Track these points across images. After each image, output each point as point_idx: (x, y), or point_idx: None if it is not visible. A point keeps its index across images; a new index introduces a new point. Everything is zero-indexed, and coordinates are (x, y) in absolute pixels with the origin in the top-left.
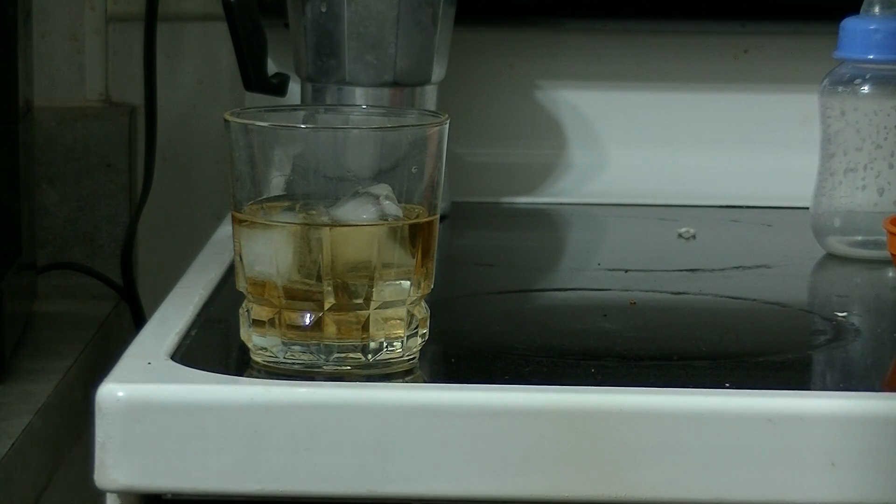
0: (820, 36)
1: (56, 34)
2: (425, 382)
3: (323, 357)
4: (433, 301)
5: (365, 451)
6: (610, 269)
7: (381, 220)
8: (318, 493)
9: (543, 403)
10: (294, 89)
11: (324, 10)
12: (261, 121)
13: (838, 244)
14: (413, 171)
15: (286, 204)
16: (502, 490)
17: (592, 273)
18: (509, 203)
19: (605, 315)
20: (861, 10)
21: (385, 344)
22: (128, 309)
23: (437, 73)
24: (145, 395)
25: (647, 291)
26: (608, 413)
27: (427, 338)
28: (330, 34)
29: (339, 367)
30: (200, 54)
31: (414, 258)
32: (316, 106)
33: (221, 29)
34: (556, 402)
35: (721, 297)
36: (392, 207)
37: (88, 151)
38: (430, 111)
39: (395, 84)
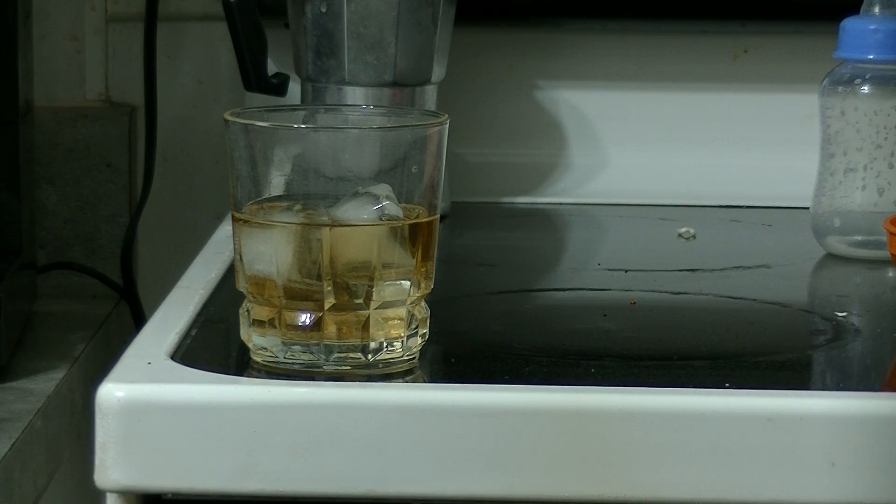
0: (820, 36)
1: (56, 34)
2: (425, 382)
3: (323, 357)
4: (433, 301)
5: (365, 451)
6: (610, 269)
7: (381, 220)
8: (318, 493)
9: (543, 403)
10: (294, 89)
11: (324, 10)
12: (261, 121)
13: (838, 244)
14: (413, 171)
15: (286, 204)
16: (502, 490)
17: (592, 273)
18: (509, 203)
19: (605, 315)
20: (861, 10)
21: (385, 344)
22: (128, 309)
23: (437, 73)
24: (145, 395)
25: (647, 291)
26: (608, 413)
27: (427, 338)
28: (330, 34)
29: (339, 367)
30: (200, 54)
31: (414, 258)
32: (316, 106)
33: (221, 29)
34: (556, 402)
35: (721, 297)
36: (392, 207)
37: (88, 151)
38: (430, 111)
39: (395, 84)
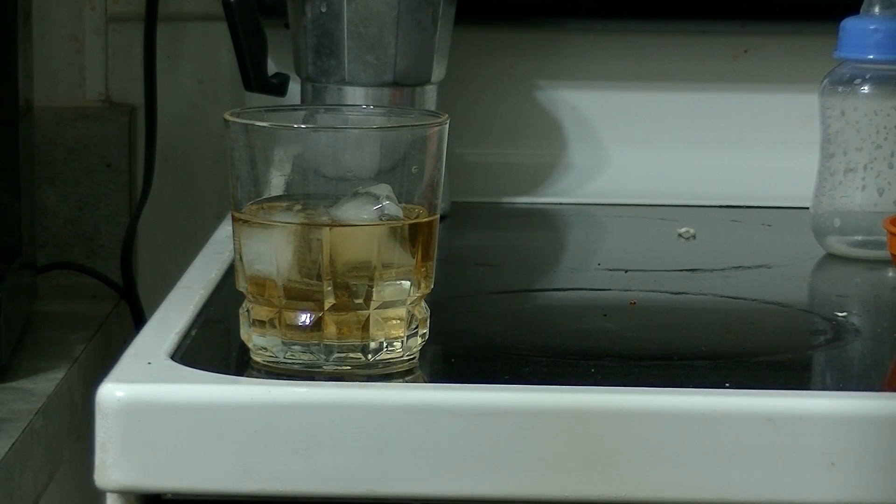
0: (820, 36)
1: (56, 34)
2: (425, 382)
3: (323, 357)
4: (433, 301)
5: (365, 451)
6: (610, 269)
7: (381, 220)
8: (318, 493)
9: (543, 403)
10: (294, 89)
11: (324, 10)
12: (261, 121)
13: (838, 244)
14: (413, 171)
15: (286, 204)
16: (502, 490)
17: (592, 273)
18: (509, 203)
19: (605, 315)
20: (861, 10)
21: (385, 344)
22: (128, 309)
23: (437, 73)
24: (145, 395)
25: (647, 291)
26: (608, 413)
27: (427, 338)
28: (330, 34)
29: (339, 367)
30: (200, 54)
31: (414, 258)
32: (316, 106)
33: (221, 29)
34: (556, 402)
35: (721, 297)
36: (392, 207)
37: (88, 151)
38: (430, 111)
39: (395, 84)
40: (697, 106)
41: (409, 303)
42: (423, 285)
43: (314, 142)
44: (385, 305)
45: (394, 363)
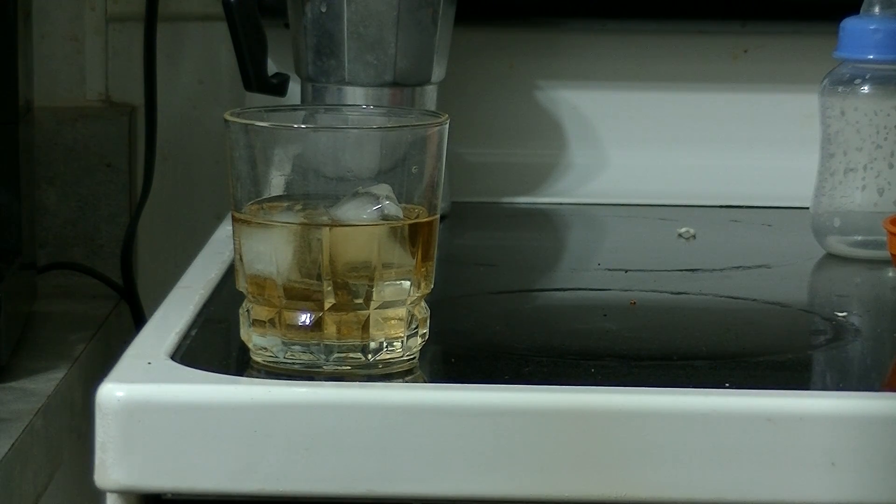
0: (820, 36)
1: (56, 34)
2: (425, 382)
3: (323, 357)
4: (433, 301)
5: (365, 451)
6: (610, 269)
7: (381, 220)
8: (318, 493)
9: (543, 403)
10: (294, 89)
11: (324, 10)
12: (261, 121)
13: (838, 244)
14: (413, 171)
15: (286, 204)
16: (502, 490)
17: (592, 273)
18: (509, 203)
19: (605, 315)
20: (861, 10)
21: (385, 344)
22: (128, 309)
23: (437, 73)
24: (145, 395)
25: (647, 291)
26: (608, 413)
27: (427, 338)
28: (330, 34)
29: (339, 367)
30: (200, 54)
31: (414, 258)
32: (316, 106)
33: (221, 29)
34: (556, 402)
35: (721, 297)
36: (392, 207)
37: (88, 151)
38: (430, 111)
39: (395, 84)
40: (697, 106)
41: (409, 303)
42: (423, 285)
43: (314, 142)
44: (385, 305)
45: (394, 363)
